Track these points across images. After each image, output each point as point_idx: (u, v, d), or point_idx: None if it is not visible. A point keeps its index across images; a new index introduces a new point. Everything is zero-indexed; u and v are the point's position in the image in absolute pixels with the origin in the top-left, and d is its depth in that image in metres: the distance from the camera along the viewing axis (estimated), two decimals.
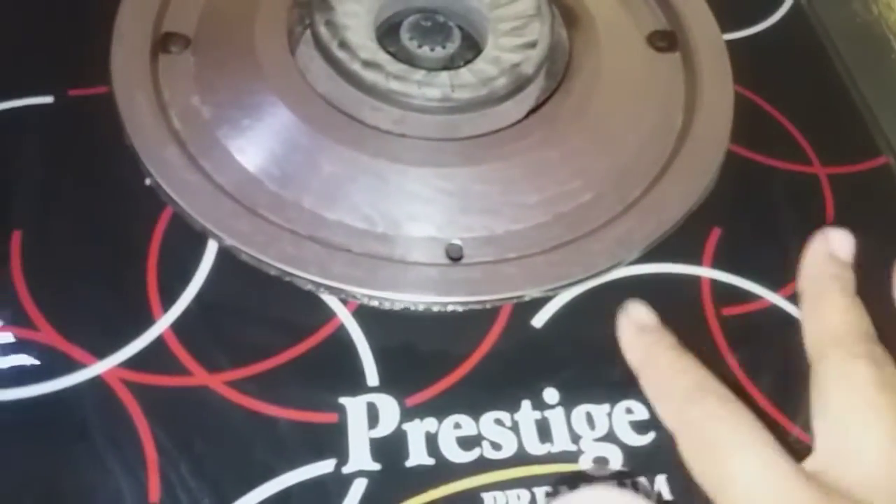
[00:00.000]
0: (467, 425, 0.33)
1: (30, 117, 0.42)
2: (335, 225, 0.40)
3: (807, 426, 0.29)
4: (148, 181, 0.39)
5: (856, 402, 0.25)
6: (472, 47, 0.49)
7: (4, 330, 0.35)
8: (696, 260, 0.40)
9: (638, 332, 0.32)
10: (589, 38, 0.49)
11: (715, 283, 0.40)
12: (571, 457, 0.33)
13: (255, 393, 0.34)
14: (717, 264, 0.40)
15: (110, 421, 0.33)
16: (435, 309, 0.37)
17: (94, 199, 0.39)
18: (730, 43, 0.50)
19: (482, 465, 0.32)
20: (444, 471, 0.32)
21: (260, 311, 0.37)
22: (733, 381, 0.35)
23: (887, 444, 0.24)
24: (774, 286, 0.40)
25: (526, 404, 0.34)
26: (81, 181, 0.40)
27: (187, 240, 0.38)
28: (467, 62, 0.47)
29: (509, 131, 0.44)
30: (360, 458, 0.32)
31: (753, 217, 0.43)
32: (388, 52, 0.46)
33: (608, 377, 0.35)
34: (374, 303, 0.37)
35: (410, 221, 0.40)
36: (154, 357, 0.35)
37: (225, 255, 0.38)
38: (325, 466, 0.32)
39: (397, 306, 0.37)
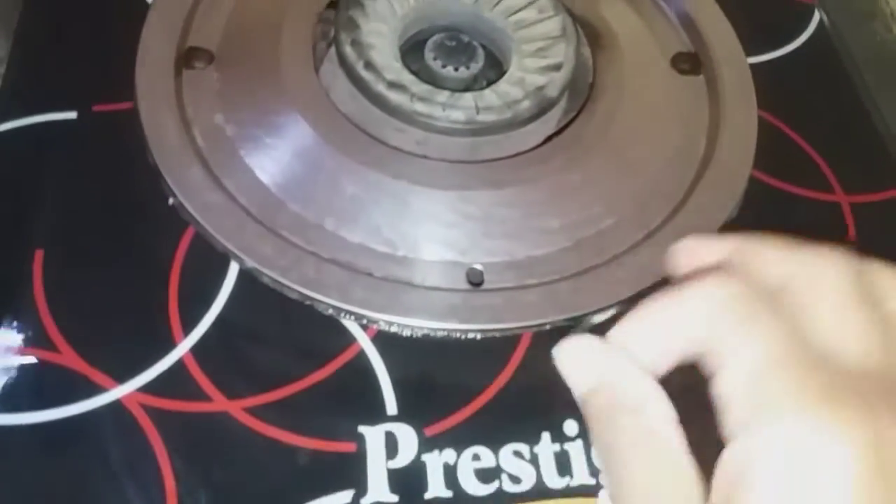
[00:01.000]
0: (486, 457, 0.33)
1: (54, 133, 0.42)
2: (357, 248, 0.40)
3: None
4: (171, 201, 0.39)
5: None
6: (495, 66, 0.49)
7: (27, 352, 0.35)
8: None
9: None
10: (613, 59, 0.48)
11: None
12: (590, 491, 0.33)
13: (274, 420, 0.34)
14: None
15: (129, 446, 0.33)
16: (455, 336, 0.37)
17: (117, 218, 0.39)
18: (754, 66, 0.49)
19: (501, 498, 0.32)
20: None
21: (280, 336, 0.37)
22: None
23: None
24: None
25: (546, 436, 0.34)
26: (104, 199, 0.40)
27: (209, 261, 0.38)
28: (491, 82, 0.47)
29: (532, 154, 0.43)
30: (379, 489, 0.32)
31: None
32: (412, 71, 0.46)
33: None
34: (394, 329, 0.37)
35: (431, 245, 0.40)
36: (174, 381, 0.35)
37: (246, 277, 0.38)
38: (343, 497, 0.32)
39: (417, 332, 0.37)
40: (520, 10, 0.48)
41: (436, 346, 0.37)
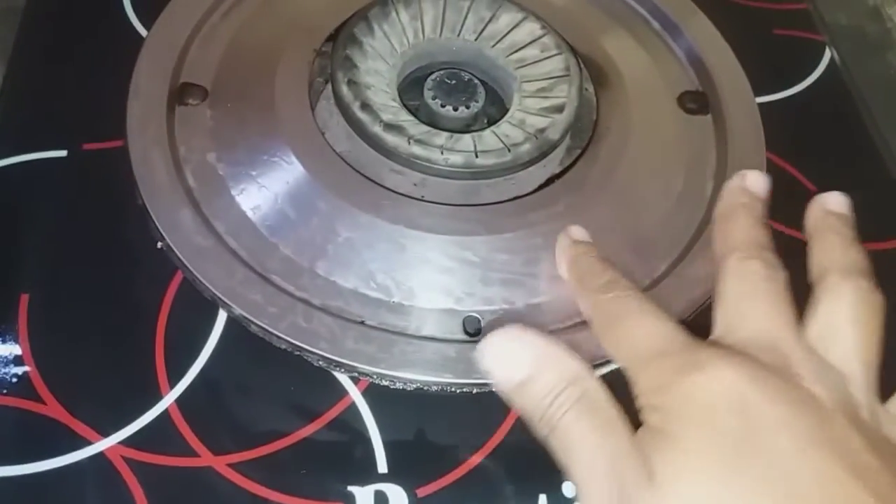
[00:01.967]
0: None
1: (42, 171, 0.41)
2: (349, 294, 0.38)
3: None
4: (160, 244, 0.38)
5: (747, 289, 0.29)
6: (496, 102, 0.48)
7: (11, 402, 0.34)
8: None
9: (570, 244, 0.36)
10: (617, 98, 0.47)
11: None
12: None
13: (260, 477, 0.33)
14: None
15: (111, 501, 0.32)
16: (450, 390, 0.36)
17: (104, 261, 0.38)
18: (762, 106, 0.48)
19: None
20: None
21: (268, 388, 0.35)
22: None
23: (766, 319, 0.27)
24: None
25: (543, 499, 0.33)
26: (92, 242, 0.39)
27: (197, 308, 0.37)
28: (491, 122, 0.46)
29: (532, 198, 0.42)
30: None
31: None
32: (410, 110, 0.45)
33: None
34: (386, 382, 0.36)
35: (427, 291, 0.39)
36: (159, 435, 0.34)
37: (234, 325, 0.36)
38: None
39: (410, 386, 0.36)
40: (522, 47, 0.47)
41: (429, 401, 0.36)
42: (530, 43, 0.47)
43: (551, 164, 0.44)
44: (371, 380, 0.36)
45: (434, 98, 0.45)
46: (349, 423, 0.34)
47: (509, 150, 0.42)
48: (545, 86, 0.45)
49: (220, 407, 0.34)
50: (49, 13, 0.47)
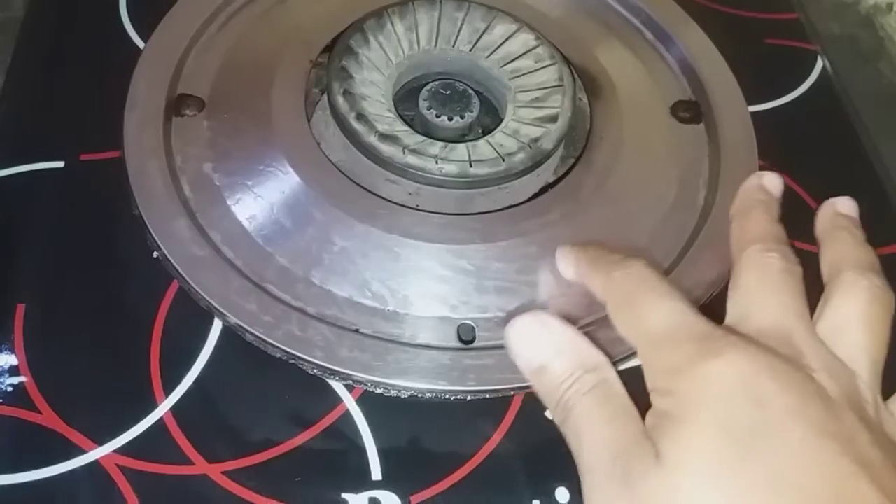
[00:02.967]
0: None
1: (40, 182, 0.41)
2: (344, 302, 0.39)
3: None
4: (156, 254, 0.38)
5: (762, 279, 0.29)
6: (491, 112, 0.49)
7: (6, 411, 0.34)
8: None
9: (571, 246, 0.36)
10: (611, 107, 0.48)
11: None
12: None
13: (255, 486, 0.33)
14: None
15: None
16: (444, 397, 0.36)
17: (101, 271, 0.38)
18: (755, 115, 0.49)
19: None
20: None
21: (263, 396, 0.35)
22: None
23: (781, 310, 0.28)
24: None
25: None
26: (88, 252, 0.39)
27: (193, 317, 0.37)
28: (486, 132, 0.47)
29: (526, 206, 0.42)
30: None
31: None
32: (405, 121, 0.45)
33: None
34: (381, 390, 0.36)
35: (422, 300, 0.39)
36: (154, 443, 0.34)
37: (230, 334, 0.37)
38: None
39: (404, 394, 0.36)
40: (516, 58, 0.47)
41: (423, 408, 0.36)
42: (524, 54, 0.47)
43: (545, 173, 0.45)
44: (365, 388, 0.36)
45: (429, 108, 0.45)
46: (343, 431, 0.34)
47: (503, 160, 0.42)
48: (539, 96, 0.46)
49: (214, 415, 0.35)
50: (47, 25, 0.47)
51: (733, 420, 0.24)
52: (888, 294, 0.29)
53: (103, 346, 0.36)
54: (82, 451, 0.33)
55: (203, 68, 0.46)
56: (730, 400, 0.24)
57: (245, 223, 0.41)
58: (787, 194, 0.46)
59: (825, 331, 0.28)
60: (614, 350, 0.37)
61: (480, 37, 0.48)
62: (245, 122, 0.44)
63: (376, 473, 0.33)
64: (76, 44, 0.46)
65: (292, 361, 0.36)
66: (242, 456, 0.33)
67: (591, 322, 0.38)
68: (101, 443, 0.33)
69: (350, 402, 0.35)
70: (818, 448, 0.23)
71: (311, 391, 0.35)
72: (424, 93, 0.46)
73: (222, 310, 0.37)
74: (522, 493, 0.33)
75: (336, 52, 0.45)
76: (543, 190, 0.44)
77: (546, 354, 0.28)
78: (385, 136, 0.42)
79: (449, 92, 0.46)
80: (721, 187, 0.45)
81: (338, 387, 0.36)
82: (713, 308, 0.40)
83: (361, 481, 0.33)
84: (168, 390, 0.35)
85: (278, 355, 0.36)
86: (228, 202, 0.41)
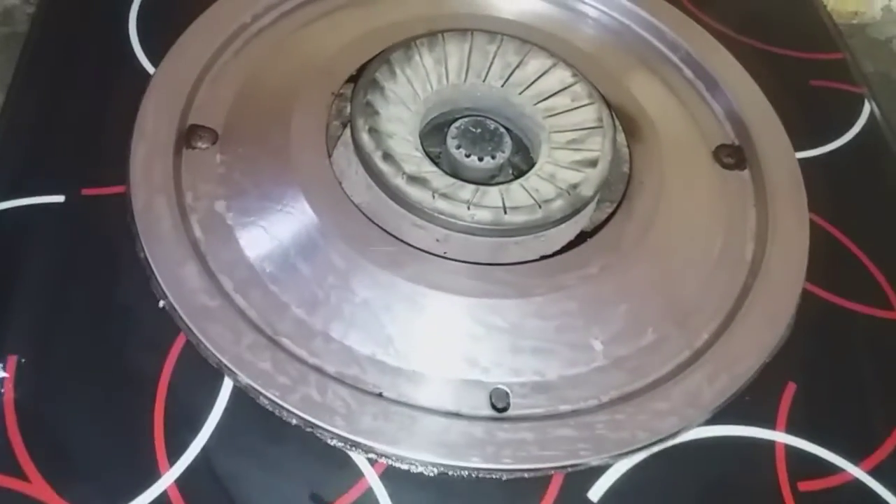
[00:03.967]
0: None
1: (37, 218, 0.38)
2: (366, 361, 0.35)
3: None
4: (162, 303, 0.35)
5: None
6: (520, 149, 0.45)
7: None
8: (769, 423, 0.36)
9: None
10: (651, 150, 0.45)
11: (790, 451, 0.35)
12: None
13: None
14: (793, 428, 0.36)
15: None
16: (477, 475, 0.33)
17: (101, 320, 0.35)
18: (802, 162, 0.46)
19: None
20: None
21: (278, 469, 0.32)
22: None
23: None
24: (856, 457, 0.35)
25: None
26: (87, 297, 0.36)
27: (201, 375, 0.34)
28: (516, 171, 0.43)
29: (563, 258, 0.39)
30: None
31: (832, 371, 0.39)
32: (433, 158, 0.42)
33: None
34: (406, 465, 0.32)
35: (451, 360, 0.36)
36: None
37: (241, 395, 0.33)
38: None
39: (432, 470, 0.32)
40: (551, 95, 0.44)
41: (454, 487, 0.33)
42: (560, 91, 0.44)
43: (581, 220, 0.42)
44: (390, 462, 0.32)
45: (458, 147, 0.42)
46: None
47: (540, 207, 0.39)
48: (576, 137, 0.42)
49: (224, 489, 0.31)
50: (52, 44, 0.44)
51: None
52: None
53: (102, 406, 0.33)
54: None
55: (216, 97, 0.43)
56: None
57: (259, 269, 0.37)
58: (841, 253, 0.43)
59: None
60: (656, 426, 0.34)
61: (513, 71, 0.45)
62: (261, 157, 0.41)
63: None
64: (81, 67, 0.43)
65: (310, 429, 0.33)
66: None
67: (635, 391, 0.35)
68: None
69: (373, 478, 0.32)
70: None
71: (331, 464, 0.32)
72: (453, 130, 0.43)
73: (233, 368, 0.34)
74: None
75: (361, 85, 0.41)
76: (581, 238, 0.41)
77: None
78: (413, 179, 0.38)
79: (479, 130, 0.43)
80: (770, 241, 0.42)
81: (359, 459, 0.32)
82: (767, 375, 0.37)
83: None
84: (173, 459, 0.31)
85: (294, 422, 0.33)
86: (241, 245, 0.38)
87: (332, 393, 0.33)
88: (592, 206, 0.42)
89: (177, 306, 0.35)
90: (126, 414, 0.33)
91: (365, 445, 0.32)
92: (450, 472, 0.32)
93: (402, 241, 0.39)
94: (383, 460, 0.32)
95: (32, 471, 0.31)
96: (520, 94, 0.45)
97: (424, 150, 0.42)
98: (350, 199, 0.39)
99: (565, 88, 0.44)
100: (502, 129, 0.44)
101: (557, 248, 0.40)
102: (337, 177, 0.40)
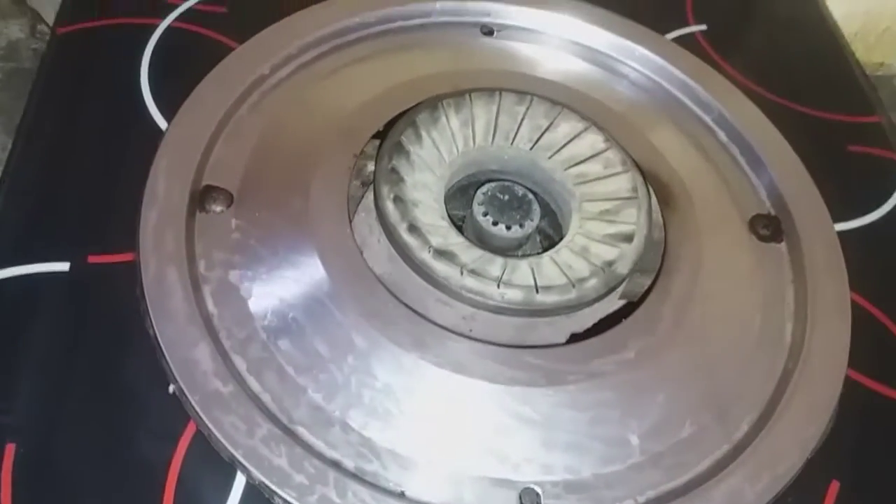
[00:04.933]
0: None
1: (39, 288, 0.35)
2: (387, 455, 0.33)
3: None
4: (172, 388, 0.33)
5: None
6: (547, 213, 0.43)
7: None
8: None
9: None
10: (686, 220, 0.43)
11: None
12: None
13: None
14: None
15: None
16: None
17: (106, 406, 0.33)
18: (841, 235, 0.43)
19: None
20: None
21: None
22: None
23: None
24: None
25: None
26: (92, 378, 0.33)
27: (211, 470, 0.31)
28: (543, 237, 0.41)
29: (597, 341, 0.37)
30: None
31: (877, 466, 0.36)
32: (457, 224, 0.40)
33: None
34: None
35: (478, 455, 0.34)
36: None
37: (254, 493, 0.31)
38: None
39: None
40: (582, 161, 0.42)
41: None
42: (592, 157, 0.42)
43: (614, 296, 0.39)
44: None
45: (485, 214, 0.40)
46: None
47: (574, 286, 0.37)
48: (609, 208, 0.40)
49: None
50: (57, 98, 0.42)
51: None
52: None
53: (105, 501, 0.30)
54: None
55: (232, 156, 0.41)
56: None
57: (274, 348, 0.35)
58: (883, 336, 0.41)
59: None
60: None
61: (542, 134, 0.43)
62: (278, 223, 0.39)
63: None
64: (90, 121, 0.41)
65: None
66: None
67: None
68: None
69: None
70: None
71: None
72: (480, 196, 0.41)
73: (247, 464, 0.31)
74: None
75: (385, 149, 0.39)
76: (613, 315, 0.38)
77: None
78: (440, 253, 0.36)
79: (507, 197, 0.41)
80: (811, 321, 0.40)
81: None
82: (810, 472, 0.35)
83: None
84: None
85: None
86: (256, 321, 0.36)
87: (353, 494, 0.31)
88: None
89: (187, 392, 0.33)
90: None
91: None
92: None
93: (426, 318, 0.36)
94: None
95: None
96: (549, 157, 0.43)
97: (450, 218, 0.40)
98: (371, 270, 0.37)
99: (597, 154, 0.42)
100: (530, 196, 0.42)
101: (589, 325, 0.38)
102: (358, 245, 0.38)
